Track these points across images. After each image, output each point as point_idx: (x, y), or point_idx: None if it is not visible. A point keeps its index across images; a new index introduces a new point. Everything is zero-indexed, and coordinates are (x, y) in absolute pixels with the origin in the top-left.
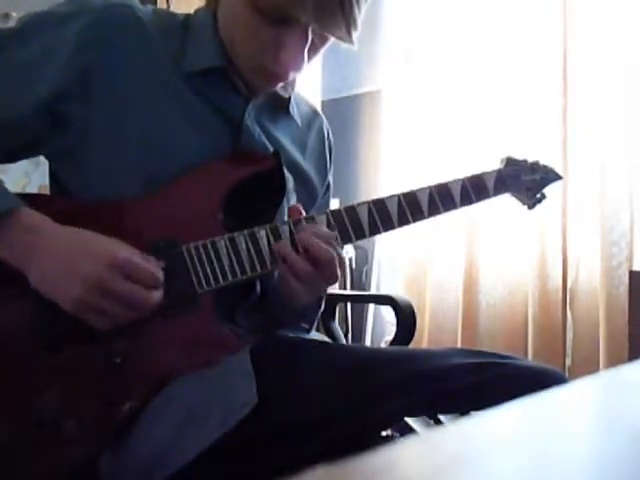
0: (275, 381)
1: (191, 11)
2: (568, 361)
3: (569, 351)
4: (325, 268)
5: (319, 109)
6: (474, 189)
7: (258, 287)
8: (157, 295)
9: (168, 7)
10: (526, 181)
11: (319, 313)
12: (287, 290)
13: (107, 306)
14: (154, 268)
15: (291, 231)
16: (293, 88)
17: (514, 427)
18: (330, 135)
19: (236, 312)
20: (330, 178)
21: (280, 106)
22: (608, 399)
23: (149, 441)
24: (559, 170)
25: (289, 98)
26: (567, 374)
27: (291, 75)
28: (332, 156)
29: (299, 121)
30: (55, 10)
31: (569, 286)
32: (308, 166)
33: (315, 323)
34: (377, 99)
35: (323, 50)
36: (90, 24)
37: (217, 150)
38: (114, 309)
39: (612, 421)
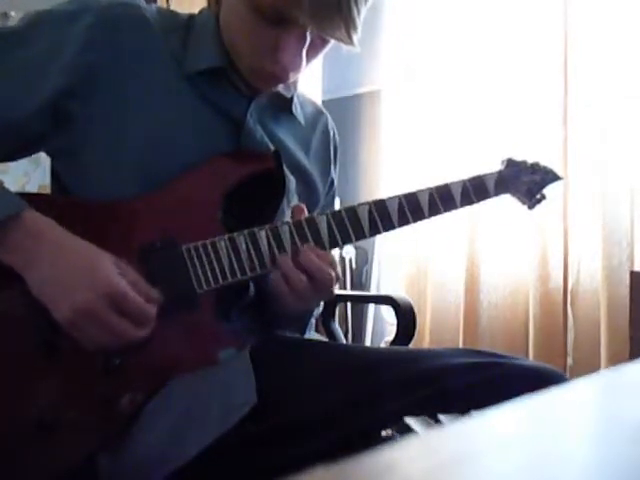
0: (275, 381)
1: (192, 10)
2: (569, 361)
3: (570, 351)
4: (320, 284)
5: None
6: (475, 190)
7: (252, 287)
8: (145, 331)
9: (168, 6)
10: (526, 182)
11: (314, 316)
12: (281, 298)
13: (92, 333)
14: (147, 306)
15: (292, 233)
16: (295, 88)
17: (514, 427)
18: (336, 135)
19: (231, 312)
20: (334, 176)
21: (283, 106)
22: (609, 399)
23: (148, 440)
24: (560, 170)
25: (292, 98)
26: (568, 374)
27: (290, 76)
28: (337, 155)
29: (302, 121)
30: (60, 8)
31: (570, 286)
32: (311, 166)
33: (308, 325)
34: (377, 99)
35: (324, 52)
36: (97, 23)
37: (218, 150)
38: (99, 337)
39: (613, 421)
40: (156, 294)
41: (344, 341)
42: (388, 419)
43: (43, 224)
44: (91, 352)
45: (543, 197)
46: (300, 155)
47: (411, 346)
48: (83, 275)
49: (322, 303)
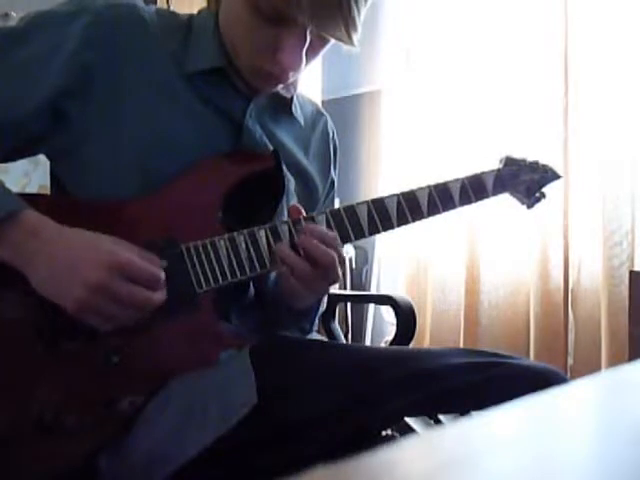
0: (275, 381)
1: (192, 11)
2: (570, 361)
3: (571, 351)
4: (325, 269)
5: None
6: (473, 189)
7: (251, 287)
8: (159, 295)
9: (168, 7)
10: (525, 180)
11: (318, 314)
12: (288, 291)
13: (109, 308)
14: (155, 268)
15: (290, 231)
16: (295, 88)
17: (514, 427)
18: (335, 135)
19: (230, 312)
20: (334, 176)
21: (283, 106)
22: (609, 399)
23: (148, 440)
24: (560, 170)
25: (291, 98)
26: (569, 374)
27: (290, 76)
28: (337, 156)
29: (302, 121)
30: (57, 9)
31: (571, 286)
32: (311, 166)
33: (314, 324)
34: (377, 99)
35: (323, 52)
36: (93, 23)
37: (218, 150)
38: (116, 311)
39: (613, 421)
40: (156, 259)
41: (344, 341)
42: (388, 419)
43: (41, 222)
44: (102, 335)
45: (542, 196)
46: (299, 155)
47: (411, 346)
48: (85, 256)
49: (324, 303)
